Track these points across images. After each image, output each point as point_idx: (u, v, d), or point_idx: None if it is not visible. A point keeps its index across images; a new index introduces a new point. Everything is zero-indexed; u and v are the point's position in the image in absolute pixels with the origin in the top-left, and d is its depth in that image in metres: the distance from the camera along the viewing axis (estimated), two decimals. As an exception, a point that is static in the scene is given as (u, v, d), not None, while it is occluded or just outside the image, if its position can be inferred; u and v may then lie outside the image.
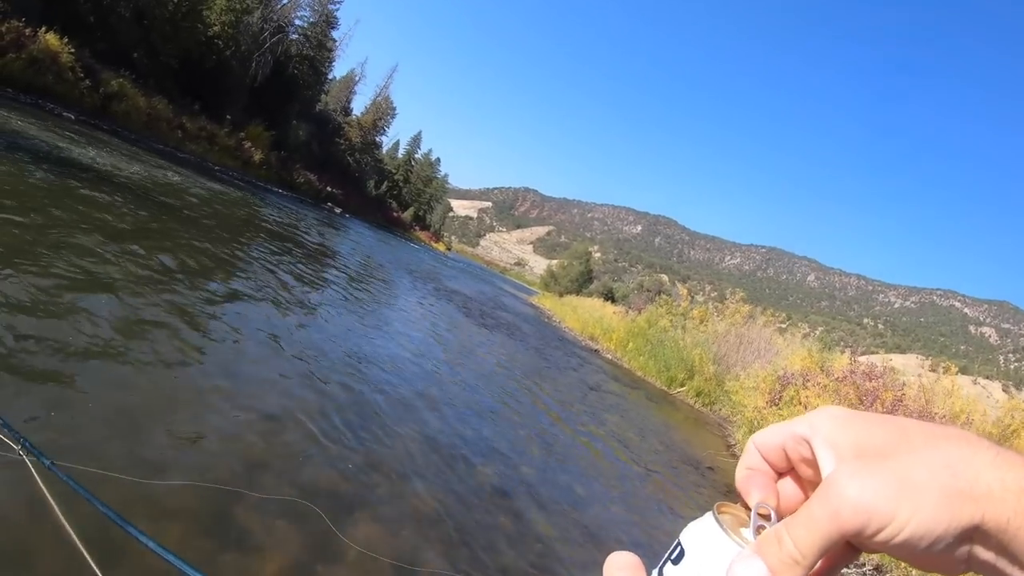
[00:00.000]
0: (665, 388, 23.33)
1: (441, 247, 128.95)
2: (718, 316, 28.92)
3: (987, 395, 14.50)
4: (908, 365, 17.99)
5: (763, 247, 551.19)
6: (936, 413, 12.26)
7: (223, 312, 8.28)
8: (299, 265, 15.25)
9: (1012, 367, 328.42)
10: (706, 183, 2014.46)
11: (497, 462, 7.43)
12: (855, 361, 16.39)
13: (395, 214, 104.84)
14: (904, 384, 14.41)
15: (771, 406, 15.46)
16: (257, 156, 48.93)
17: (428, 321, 15.68)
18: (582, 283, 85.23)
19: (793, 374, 16.19)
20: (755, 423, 15.75)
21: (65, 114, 23.93)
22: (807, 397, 14.28)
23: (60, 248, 7.32)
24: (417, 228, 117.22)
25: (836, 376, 14.86)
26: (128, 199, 13.01)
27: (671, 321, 28.91)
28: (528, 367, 15.48)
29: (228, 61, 49.05)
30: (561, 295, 72.67)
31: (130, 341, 5.84)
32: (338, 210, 62.75)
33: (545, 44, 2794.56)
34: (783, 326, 26.29)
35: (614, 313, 37.31)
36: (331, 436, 5.85)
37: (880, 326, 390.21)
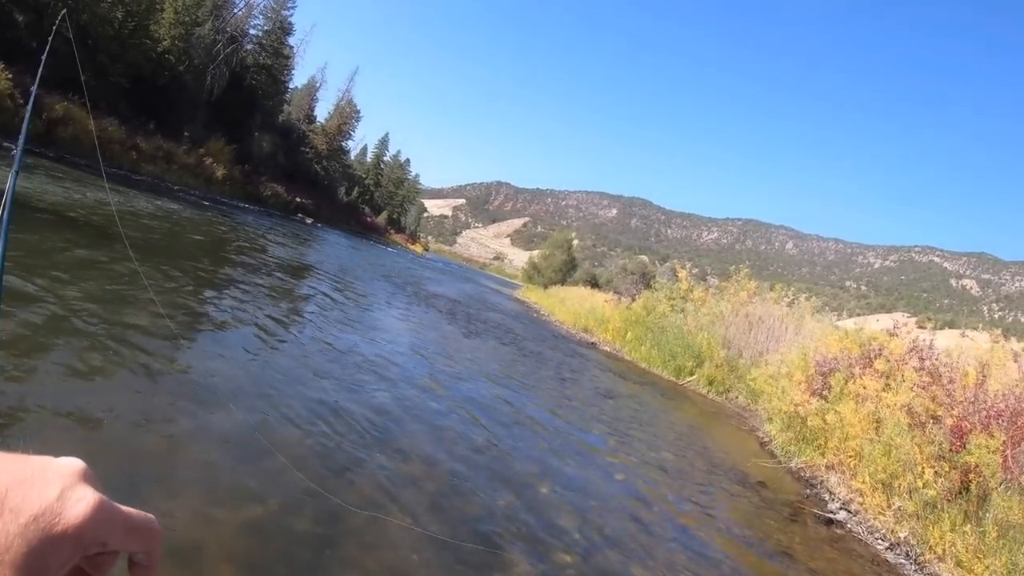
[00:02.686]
0: (674, 379, 21.43)
1: (418, 248, 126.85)
2: (716, 295, 27.26)
3: (977, 346, 12.70)
4: (892, 323, 16.38)
5: (739, 220, 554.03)
6: None
7: (183, 351, 6.94)
8: (267, 285, 13.32)
9: (996, 316, 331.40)
10: (678, 161, 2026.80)
11: (524, 549, 5.31)
12: (895, 333, 14.33)
13: (369, 219, 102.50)
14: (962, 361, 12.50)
15: (816, 398, 13.35)
16: (220, 172, 46.59)
17: (412, 335, 13.58)
18: (566, 272, 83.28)
19: (833, 359, 14.13)
20: (795, 420, 13.71)
21: (6, 144, 21.93)
22: (868, 387, 12.15)
23: None
24: (392, 231, 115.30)
25: (897, 359, 12.78)
26: (69, 229, 11.08)
27: (671, 306, 26.99)
28: (530, 380, 13.34)
29: (182, 76, 46.38)
30: (546, 287, 70.87)
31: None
32: (309, 220, 60.58)
33: (506, 33, 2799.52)
34: (790, 299, 24.33)
35: (606, 302, 35.16)
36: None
37: (862, 287, 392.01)
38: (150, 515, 0.65)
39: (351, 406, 7.15)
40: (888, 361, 12.74)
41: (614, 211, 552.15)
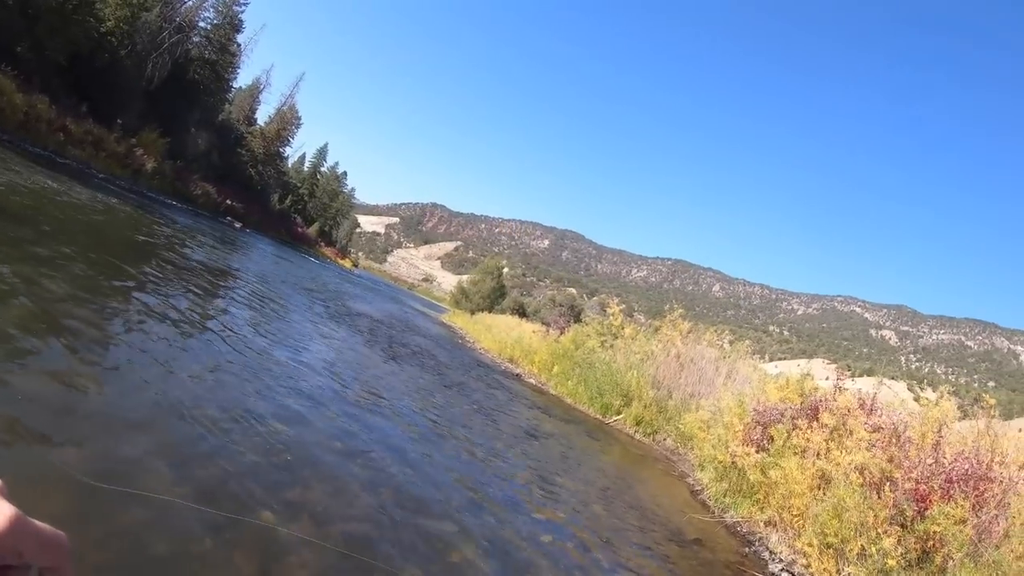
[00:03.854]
0: (601, 417, 20.45)
1: (347, 264, 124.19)
2: (648, 333, 26.58)
3: (894, 394, 12.23)
4: (815, 369, 16.07)
5: (669, 259, 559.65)
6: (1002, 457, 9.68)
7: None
8: (180, 289, 12.04)
9: (913, 367, 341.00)
10: (612, 197, 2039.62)
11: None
12: (840, 388, 13.62)
13: (300, 229, 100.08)
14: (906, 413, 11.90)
15: (755, 449, 12.56)
16: (150, 164, 44.47)
17: (324, 357, 12.34)
18: (494, 299, 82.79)
19: (774, 408, 13.35)
20: (731, 471, 12.91)
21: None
22: (813, 442, 11.44)
23: None
24: (323, 244, 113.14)
25: (844, 411, 12.09)
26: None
27: (601, 341, 26.18)
28: (450, 415, 12.04)
29: (122, 61, 44.38)
30: (473, 312, 70.17)
31: None
32: (238, 225, 58.60)
33: (449, 57, 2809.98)
34: (726, 342, 23.85)
35: (533, 332, 34.21)
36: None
37: (785, 332, 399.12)
38: (60, 532, 0.69)
39: (226, 462, 5.60)
40: (835, 415, 12.00)
41: (546, 242, 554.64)
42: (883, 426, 11.28)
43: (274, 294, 18.82)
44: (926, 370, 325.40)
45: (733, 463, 12.77)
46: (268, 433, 6.46)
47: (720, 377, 20.73)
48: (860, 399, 12.53)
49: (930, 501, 8.74)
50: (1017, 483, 9.05)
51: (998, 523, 8.50)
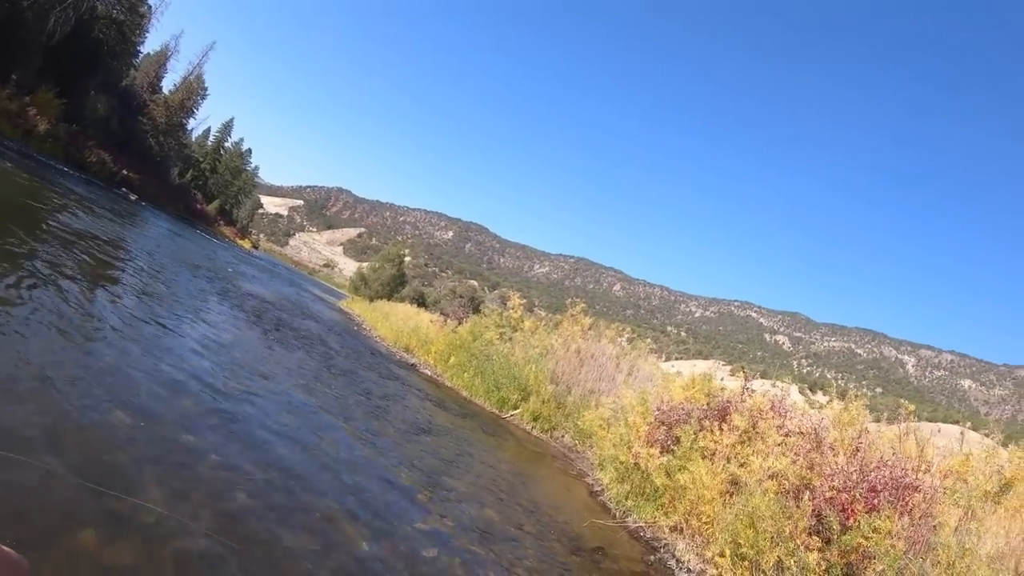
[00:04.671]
0: (497, 411, 19.60)
1: (247, 244, 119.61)
2: (548, 327, 25.90)
3: (785, 395, 11.80)
4: (710, 370, 15.77)
5: (572, 257, 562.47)
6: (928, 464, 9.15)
7: None
8: (65, 260, 10.84)
9: (806, 371, 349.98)
10: (518, 192, 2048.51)
11: None
12: (748, 388, 12.98)
13: (199, 206, 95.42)
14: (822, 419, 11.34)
15: (661, 451, 11.82)
16: (42, 126, 41.43)
17: (199, 336, 11.15)
18: (394, 287, 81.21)
19: (680, 408, 12.65)
20: (634, 472, 12.15)
21: None
22: (723, 445, 10.78)
23: None
24: (222, 223, 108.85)
25: (755, 413, 11.46)
26: None
27: (500, 334, 25.34)
28: (335, 406, 10.89)
29: (22, 12, 41.47)
30: (371, 299, 68.70)
31: None
32: (133, 197, 55.41)
33: (361, 41, 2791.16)
34: (625, 340, 23.35)
35: (431, 322, 33.17)
36: None
37: (683, 333, 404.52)
38: (22, 557, 0.74)
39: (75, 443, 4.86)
40: (746, 417, 11.34)
41: (450, 233, 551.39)
42: (804, 431, 10.63)
43: (162, 269, 17.41)
44: (817, 375, 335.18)
45: (636, 464, 12.01)
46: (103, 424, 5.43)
47: (621, 374, 20.25)
48: (772, 401, 11.90)
49: (853, 511, 8.12)
50: (941, 492, 8.65)
51: (922, 534, 7.95)
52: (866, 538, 7.59)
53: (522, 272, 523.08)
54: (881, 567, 7.40)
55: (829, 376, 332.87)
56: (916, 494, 8.38)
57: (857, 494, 8.30)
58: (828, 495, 8.41)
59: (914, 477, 8.64)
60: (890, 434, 10.41)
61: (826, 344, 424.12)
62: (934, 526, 8.12)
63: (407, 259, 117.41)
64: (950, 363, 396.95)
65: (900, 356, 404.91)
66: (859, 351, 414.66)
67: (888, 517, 7.60)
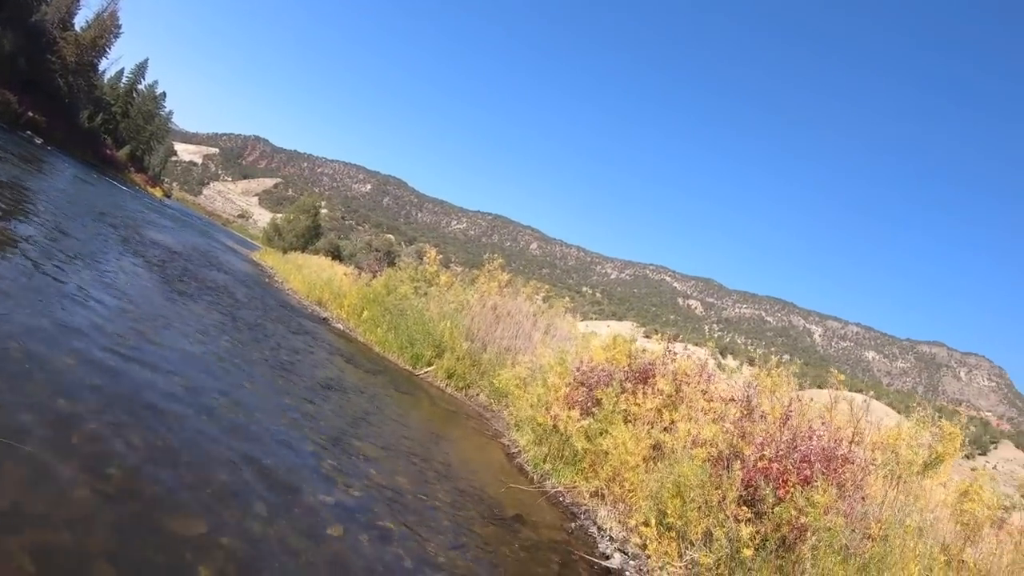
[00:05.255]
0: (411, 368, 18.95)
1: (158, 193, 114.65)
2: (464, 283, 25.34)
3: (699, 359, 11.55)
4: (625, 331, 15.64)
5: (490, 214, 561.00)
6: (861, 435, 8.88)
7: None
8: None
9: (717, 335, 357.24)
10: (437, 146, 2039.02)
11: None
12: (671, 349, 12.58)
13: (109, 152, 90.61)
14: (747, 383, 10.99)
15: (581, 413, 11.32)
16: None
17: (100, 284, 10.25)
18: (309, 239, 79.69)
19: (601, 369, 12.17)
20: (552, 435, 11.64)
21: None
22: (646, 409, 10.36)
23: None
24: (133, 170, 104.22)
25: (682, 377, 11.05)
26: None
27: (414, 288, 24.64)
28: (235, 362, 10.03)
29: None
30: (285, 251, 67.00)
31: None
32: (39, 141, 52.82)
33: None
34: (544, 298, 22.87)
35: (345, 275, 32.25)
36: None
37: (598, 295, 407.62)
38: None
39: None
40: (671, 381, 10.92)
41: (368, 186, 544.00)
42: (735, 397, 10.24)
43: (62, 216, 16.26)
44: (727, 340, 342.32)
45: (555, 427, 11.52)
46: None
47: (538, 332, 19.92)
48: (702, 365, 11.53)
49: (785, 482, 7.75)
50: (873, 464, 8.49)
51: (854, 507, 7.76)
52: (803, 512, 7.23)
53: (440, 228, 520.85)
54: (816, 542, 7.06)
55: (739, 341, 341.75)
56: (849, 466, 8.14)
57: (789, 464, 7.94)
58: (760, 465, 8.02)
59: (847, 449, 8.43)
60: (821, 403, 10.08)
61: (737, 311, 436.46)
62: (863, 497, 7.97)
63: (323, 211, 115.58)
64: (856, 335, 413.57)
65: (808, 326, 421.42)
66: (769, 319, 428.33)
67: (825, 491, 7.26)
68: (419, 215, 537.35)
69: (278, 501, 5.58)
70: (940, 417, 9.07)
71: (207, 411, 6.95)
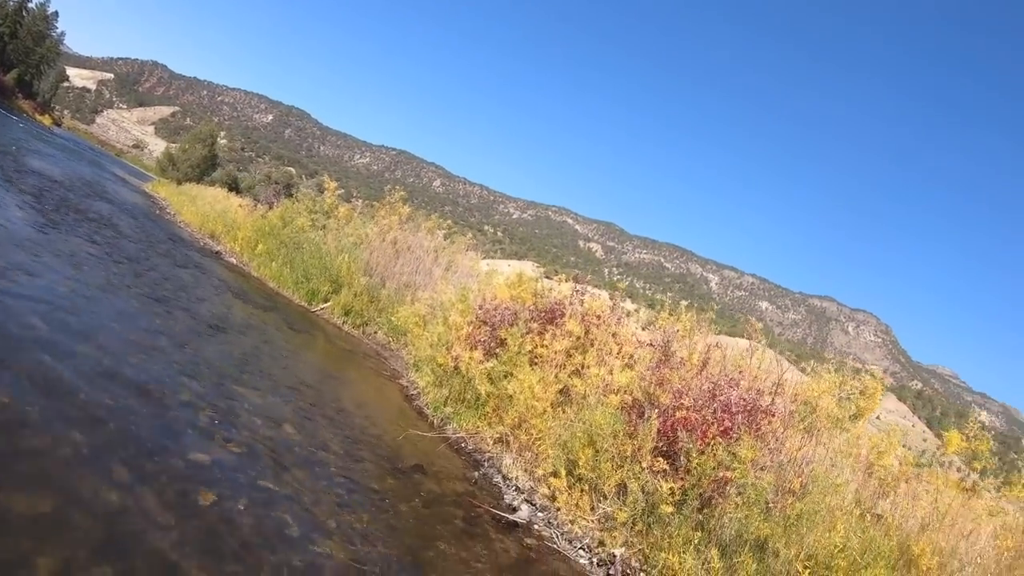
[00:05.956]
0: (307, 305, 18.13)
1: (47, 121, 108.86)
2: (364, 216, 24.49)
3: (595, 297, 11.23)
4: (525, 270, 15.21)
5: (393, 149, 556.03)
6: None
7: None
8: None
9: (616, 278, 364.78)
10: (341, 77, 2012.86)
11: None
12: (581, 290, 11.98)
13: None
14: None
15: (484, 354, 10.67)
16: None
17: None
18: (205, 170, 77.13)
19: (506, 308, 11.52)
20: (454, 377, 10.97)
21: None
22: (555, 351, 9.78)
23: None
24: (21, 96, 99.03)
25: (592, 318, 10.48)
26: None
27: (312, 220, 23.63)
28: (106, 300, 9.12)
29: None
30: (180, 183, 64.68)
31: None
32: None
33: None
34: (445, 234, 22.22)
35: (240, 206, 30.95)
36: None
37: (500, 234, 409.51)
38: None
39: None
40: (582, 323, 10.34)
41: (270, 117, 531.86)
42: (653, 342, 9.71)
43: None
44: (626, 283, 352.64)
45: (456, 368, 10.90)
46: None
47: (439, 269, 19.45)
48: (611, 305, 10.99)
49: (705, 433, 7.29)
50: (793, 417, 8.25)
51: (775, 461, 7.56)
52: (724, 466, 6.87)
53: (342, 162, 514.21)
54: (740, 499, 6.71)
55: (638, 285, 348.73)
56: (771, 419, 7.85)
57: (708, 415, 7.48)
58: (679, 415, 7.51)
59: (769, 401, 8.14)
60: (739, 350, 9.72)
61: (637, 255, 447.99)
62: (775, 447, 7.77)
63: (222, 141, 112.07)
64: (751, 285, 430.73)
65: (705, 274, 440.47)
66: (668, 265, 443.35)
67: (752, 446, 6.88)
68: (321, 148, 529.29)
69: (143, 465, 4.78)
70: (858, 372, 8.98)
71: (64, 357, 6.05)
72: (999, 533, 7.51)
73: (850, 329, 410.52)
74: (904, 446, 8.96)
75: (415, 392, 11.88)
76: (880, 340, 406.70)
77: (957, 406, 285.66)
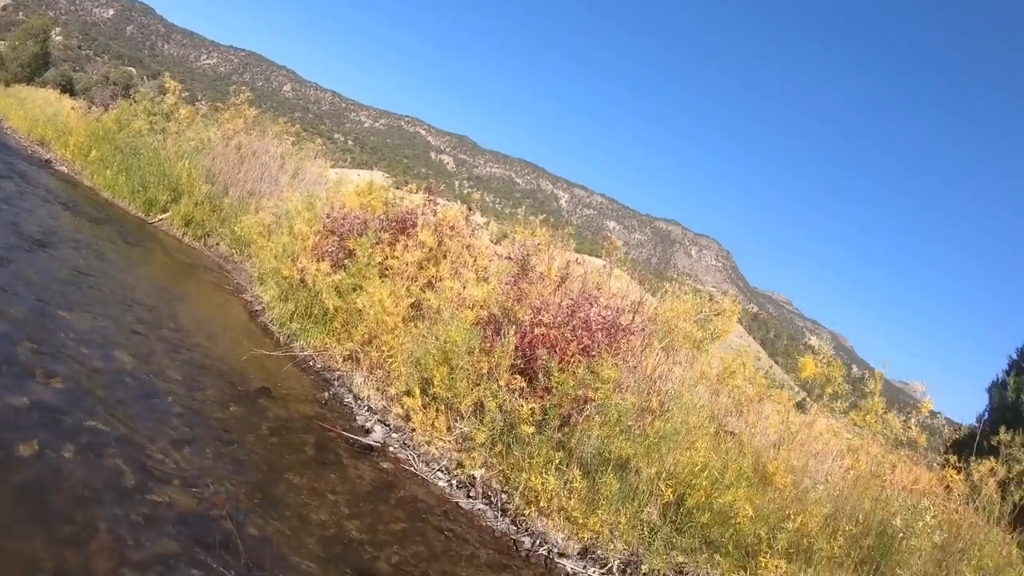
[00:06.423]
0: (143, 216, 16.98)
1: None
2: (208, 119, 23.19)
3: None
4: (375, 179, 14.86)
5: (242, 51, 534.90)
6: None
7: None
8: None
9: (466, 191, 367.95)
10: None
11: None
12: (433, 199, 11.51)
13: None
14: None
15: (331, 265, 10.09)
16: None
17: None
18: (36, 69, 72.23)
19: (355, 217, 10.94)
20: (300, 290, 10.40)
21: None
22: (406, 262, 9.31)
23: None
24: None
25: (447, 228, 10.05)
26: None
27: (150, 123, 22.22)
28: None
29: None
30: (7, 84, 60.49)
31: None
32: None
33: None
34: (295, 141, 21.27)
35: (73, 109, 28.88)
36: None
37: (350, 142, 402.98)
38: None
39: None
40: (435, 233, 9.91)
41: (111, 12, 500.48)
42: (511, 255, 9.36)
43: None
44: (477, 196, 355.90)
45: (302, 281, 10.33)
46: None
47: (286, 176, 18.53)
48: (465, 215, 10.63)
49: (565, 351, 7.10)
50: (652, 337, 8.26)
51: (631, 379, 7.52)
52: (583, 385, 6.70)
53: (188, 62, 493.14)
54: (601, 419, 6.64)
55: (489, 200, 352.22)
56: (631, 337, 7.76)
57: (568, 332, 7.29)
58: (538, 332, 7.24)
59: (630, 319, 8.03)
60: (594, 268, 9.56)
61: (488, 169, 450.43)
62: (634, 366, 7.75)
63: (56, 38, 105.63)
64: (599, 204, 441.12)
65: (556, 191, 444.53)
66: (518, 180, 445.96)
67: (614, 365, 6.78)
68: (166, 47, 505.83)
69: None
70: (711, 298, 9.26)
71: None
72: (844, 453, 7.96)
73: (693, 252, 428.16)
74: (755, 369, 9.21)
75: (260, 308, 11.31)
76: (720, 264, 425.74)
77: (790, 330, 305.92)
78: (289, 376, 8.44)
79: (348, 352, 9.05)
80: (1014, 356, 12.25)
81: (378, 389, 8.31)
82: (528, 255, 9.06)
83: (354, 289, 9.53)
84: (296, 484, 5.47)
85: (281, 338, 9.92)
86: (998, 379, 12.11)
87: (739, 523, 6.06)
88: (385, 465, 6.67)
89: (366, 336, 8.83)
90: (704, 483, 6.18)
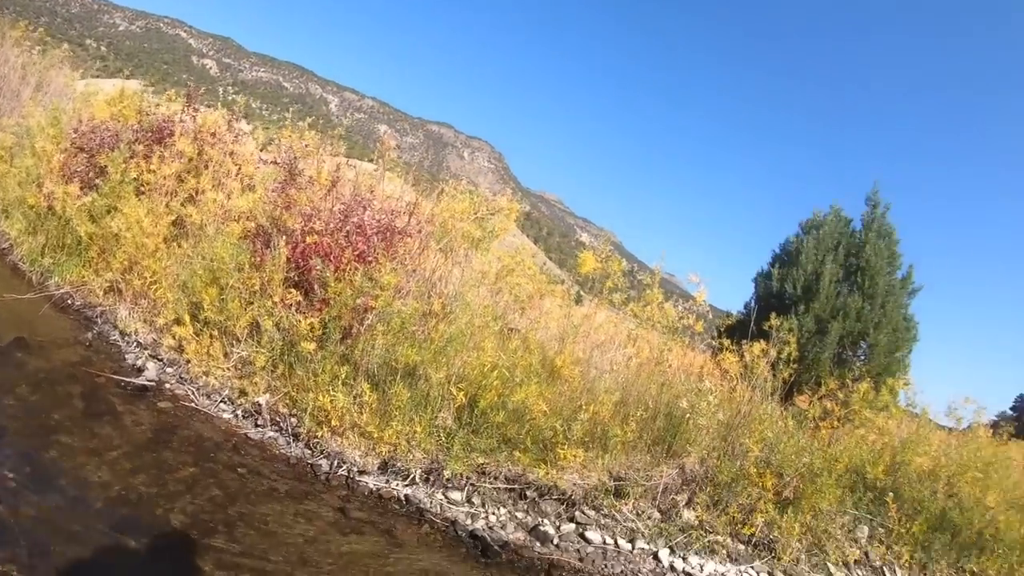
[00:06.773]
0: None
1: None
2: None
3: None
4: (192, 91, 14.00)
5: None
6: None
7: None
8: None
9: (231, 98, 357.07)
10: None
11: None
12: (194, 106, 10.65)
13: None
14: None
15: (81, 187, 9.17)
16: None
17: None
18: None
19: (105, 129, 9.98)
20: (50, 219, 9.43)
21: None
22: (164, 176, 8.54)
23: None
24: None
25: (207, 136, 9.31)
26: None
27: None
28: None
29: None
30: None
31: None
32: None
33: None
34: (39, 50, 19.48)
35: None
36: None
37: (103, 48, 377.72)
38: None
39: None
40: (195, 142, 9.19)
41: None
42: (277, 160, 8.82)
43: None
44: (242, 102, 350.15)
45: (51, 208, 9.37)
46: None
47: (28, 88, 16.80)
48: (227, 121, 9.99)
49: (341, 259, 6.86)
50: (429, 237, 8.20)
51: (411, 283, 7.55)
52: (362, 292, 6.53)
53: None
54: (384, 327, 6.48)
55: (255, 106, 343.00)
56: (408, 240, 7.65)
57: (342, 238, 7.03)
58: (310, 240, 6.84)
59: (405, 221, 7.88)
60: (366, 172, 9.20)
61: (255, 74, 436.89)
62: (413, 270, 7.72)
63: None
64: (370, 108, 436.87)
65: (325, 95, 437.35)
66: (287, 84, 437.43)
67: (393, 270, 6.65)
68: None
69: None
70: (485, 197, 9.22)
71: None
72: (626, 342, 8.54)
73: (465, 155, 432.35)
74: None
75: (7, 245, 10.17)
76: (493, 166, 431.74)
77: (562, 228, 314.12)
78: (47, 319, 7.75)
79: (109, 283, 8.30)
80: (776, 250, 13.75)
81: (146, 321, 7.75)
82: (296, 159, 8.57)
83: (108, 211, 8.70)
84: (69, 445, 5.02)
85: (34, 277, 8.96)
86: (763, 270, 13.55)
87: (534, 418, 6.22)
88: (163, 405, 6.26)
89: (126, 263, 8.12)
90: (495, 383, 6.24)
